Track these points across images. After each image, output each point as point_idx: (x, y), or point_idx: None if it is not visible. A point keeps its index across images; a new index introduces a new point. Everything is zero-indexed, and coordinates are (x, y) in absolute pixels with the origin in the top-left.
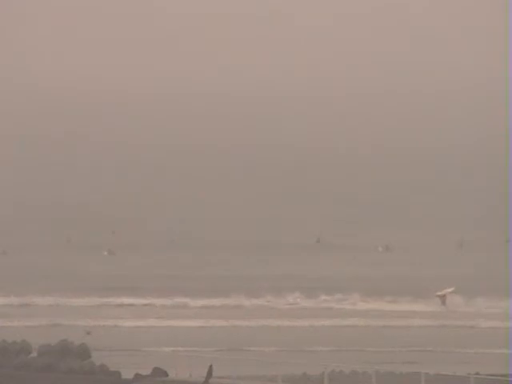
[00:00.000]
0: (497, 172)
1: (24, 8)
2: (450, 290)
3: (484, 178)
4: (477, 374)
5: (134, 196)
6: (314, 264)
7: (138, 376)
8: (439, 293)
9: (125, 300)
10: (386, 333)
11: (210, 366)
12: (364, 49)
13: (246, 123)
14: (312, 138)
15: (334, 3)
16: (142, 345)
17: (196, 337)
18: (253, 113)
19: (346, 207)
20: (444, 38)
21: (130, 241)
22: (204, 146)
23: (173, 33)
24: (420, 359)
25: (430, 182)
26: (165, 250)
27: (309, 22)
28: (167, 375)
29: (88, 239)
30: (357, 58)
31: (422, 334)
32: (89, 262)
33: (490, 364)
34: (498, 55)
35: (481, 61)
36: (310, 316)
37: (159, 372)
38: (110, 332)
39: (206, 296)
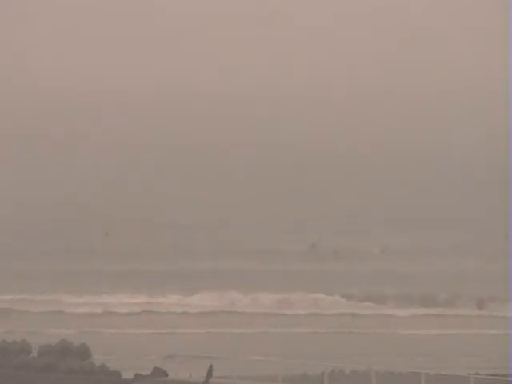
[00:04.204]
0: (497, 172)
1: (24, 8)
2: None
3: (484, 178)
4: (477, 374)
5: (133, 196)
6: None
7: (138, 376)
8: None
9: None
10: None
11: (210, 366)
12: (364, 49)
13: (245, 123)
14: (312, 138)
15: (334, 3)
16: (139, 351)
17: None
18: (253, 113)
19: (345, 207)
20: (444, 37)
21: (128, 241)
22: (204, 146)
23: (173, 33)
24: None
25: (430, 182)
26: (164, 252)
27: (309, 22)
28: (167, 375)
29: (87, 239)
30: (357, 58)
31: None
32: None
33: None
34: (498, 55)
35: (481, 61)
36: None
37: (159, 372)
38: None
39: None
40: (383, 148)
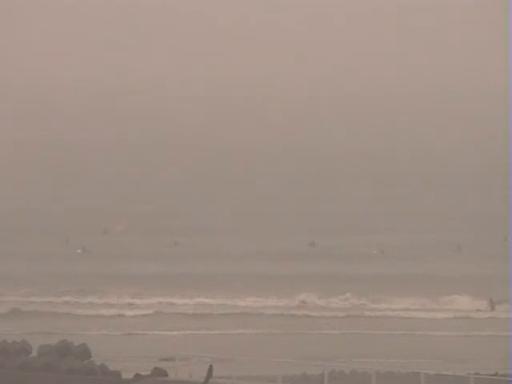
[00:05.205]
0: (497, 172)
1: (24, 8)
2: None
3: (484, 178)
4: (477, 374)
5: (133, 196)
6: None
7: (138, 376)
8: None
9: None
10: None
11: (210, 366)
12: (364, 49)
13: (245, 123)
14: (312, 138)
15: (334, 3)
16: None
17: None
18: (252, 113)
19: (345, 207)
20: (444, 38)
21: (127, 242)
22: (204, 146)
23: (173, 33)
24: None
25: (430, 182)
26: (164, 253)
27: (309, 22)
28: (167, 375)
29: (87, 240)
30: (357, 58)
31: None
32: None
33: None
34: (498, 55)
35: (481, 61)
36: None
37: (159, 372)
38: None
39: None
40: (383, 148)
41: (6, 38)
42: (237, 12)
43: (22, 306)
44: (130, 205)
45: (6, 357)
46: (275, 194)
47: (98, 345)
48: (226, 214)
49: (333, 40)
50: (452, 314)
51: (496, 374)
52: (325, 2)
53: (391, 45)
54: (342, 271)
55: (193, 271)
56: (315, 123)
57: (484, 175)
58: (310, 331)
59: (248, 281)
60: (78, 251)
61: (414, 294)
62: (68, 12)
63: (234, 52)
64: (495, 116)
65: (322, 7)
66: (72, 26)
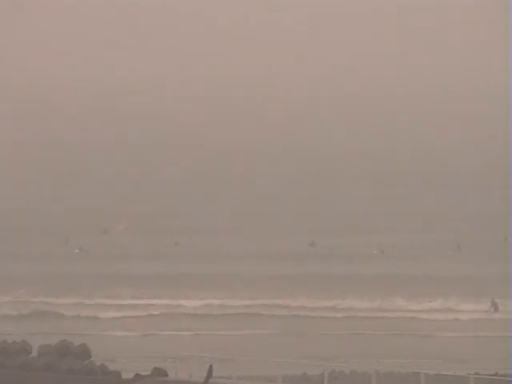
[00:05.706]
0: (497, 172)
1: (24, 8)
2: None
3: (484, 178)
4: (477, 374)
5: (133, 196)
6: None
7: (138, 376)
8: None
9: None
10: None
11: (210, 366)
12: (364, 49)
13: (245, 123)
14: (312, 138)
15: (334, 3)
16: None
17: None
18: (252, 113)
19: (345, 206)
20: (444, 38)
21: (128, 242)
22: (204, 146)
23: (173, 33)
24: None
25: (430, 182)
26: (164, 253)
27: (309, 22)
28: (167, 375)
29: (86, 241)
30: (357, 58)
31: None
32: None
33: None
34: (498, 55)
35: (481, 61)
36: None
37: (159, 372)
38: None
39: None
40: (383, 148)
41: (6, 38)
42: (237, 12)
43: (21, 306)
44: (130, 205)
45: (6, 357)
46: (275, 194)
47: (97, 345)
48: (226, 214)
49: (333, 40)
50: (452, 314)
51: (496, 374)
52: (325, 2)
53: (391, 45)
54: (341, 271)
55: (193, 271)
56: (315, 123)
57: (484, 175)
58: (310, 331)
59: (248, 281)
60: (78, 251)
61: (414, 294)
62: (68, 12)
63: (234, 52)
64: (495, 116)
65: (322, 7)
66: (72, 26)
